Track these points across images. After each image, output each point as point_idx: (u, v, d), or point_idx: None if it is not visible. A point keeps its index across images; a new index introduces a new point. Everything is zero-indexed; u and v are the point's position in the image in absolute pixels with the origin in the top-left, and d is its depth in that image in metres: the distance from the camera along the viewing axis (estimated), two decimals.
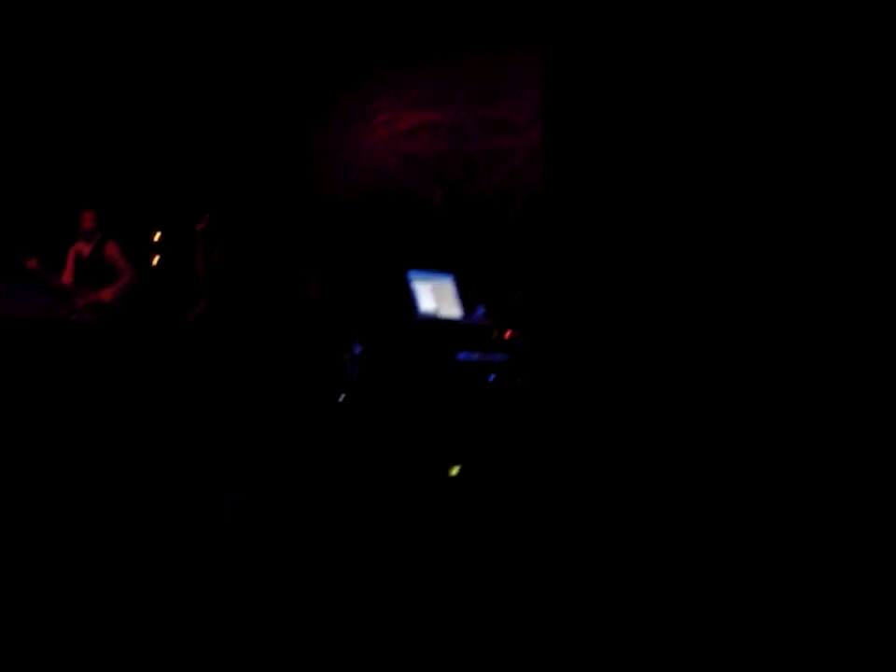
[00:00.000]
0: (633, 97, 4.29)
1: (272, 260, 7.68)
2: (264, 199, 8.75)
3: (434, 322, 6.27)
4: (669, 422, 4.09)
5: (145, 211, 8.21)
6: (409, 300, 6.25)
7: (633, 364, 4.23)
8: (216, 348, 6.83)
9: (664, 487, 3.97)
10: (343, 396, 6.54)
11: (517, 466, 4.72)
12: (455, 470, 5.13)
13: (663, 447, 4.06)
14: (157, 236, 7.61)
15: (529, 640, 3.01)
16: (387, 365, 6.49)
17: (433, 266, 6.80)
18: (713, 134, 4.07)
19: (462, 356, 6.09)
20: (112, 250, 7.34)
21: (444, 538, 4.16)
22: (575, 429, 4.35)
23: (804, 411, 3.74)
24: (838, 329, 3.70)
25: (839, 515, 3.55)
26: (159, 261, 7.49)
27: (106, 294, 7.16)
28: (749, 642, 2.97)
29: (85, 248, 7.31)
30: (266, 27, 8.85)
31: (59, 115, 8.44)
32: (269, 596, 3.36)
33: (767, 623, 3.10)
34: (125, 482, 4.89)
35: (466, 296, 6.63)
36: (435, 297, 6.36)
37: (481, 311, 6.69)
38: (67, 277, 7.25)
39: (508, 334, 6.26)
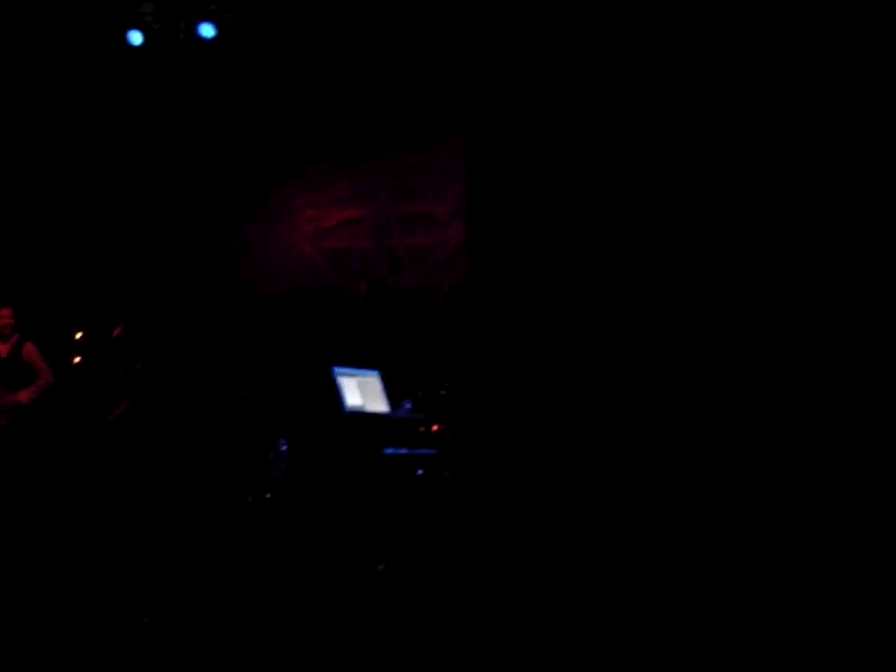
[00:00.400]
0: (555, 189, 4.37)
1: (196, 359, 7.61)
2: (188, 297, 8.71)
3: (360, 417, 6.23)
4: (603, 511, 4.08)
5: (63, 311, 8.10)
6: (335, 395, 6.22)
7: (561, 456, 4.23)
8: (140, 448, 6.70)
9: (596, 580, 3.95)
10: (269, 494, 6.44)
11: (446, 560, 4.67)
12: (381, 567, 5.05)
13: (594, 537, 4.04)
14: (78, 336, 7.50)
15: None
16: (314, 461, 6.42)
17: (358, 361, 6.79)
18: (636, 223, 4.15)
19: (389, 450, 6.05)
20: (30, 351, 7.20)
21: (373, 636, 4.07)
22: (504, 522, 4.32)
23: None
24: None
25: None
26: (79, 363, 7.36)
27: (23, 395, 7.00)
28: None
29: (2, 349, 7.16)
30: (189, 125, 8.91)
31: None
32: None
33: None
34: (45, 583, 4.72)
35: (392, 390, 6.62)
36: (361, 392, 6.35)
37: (407, 405, 6.68)
38: None
39: (435, 428, 6.25)
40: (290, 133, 8.81)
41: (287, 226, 9.01)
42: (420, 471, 6.00)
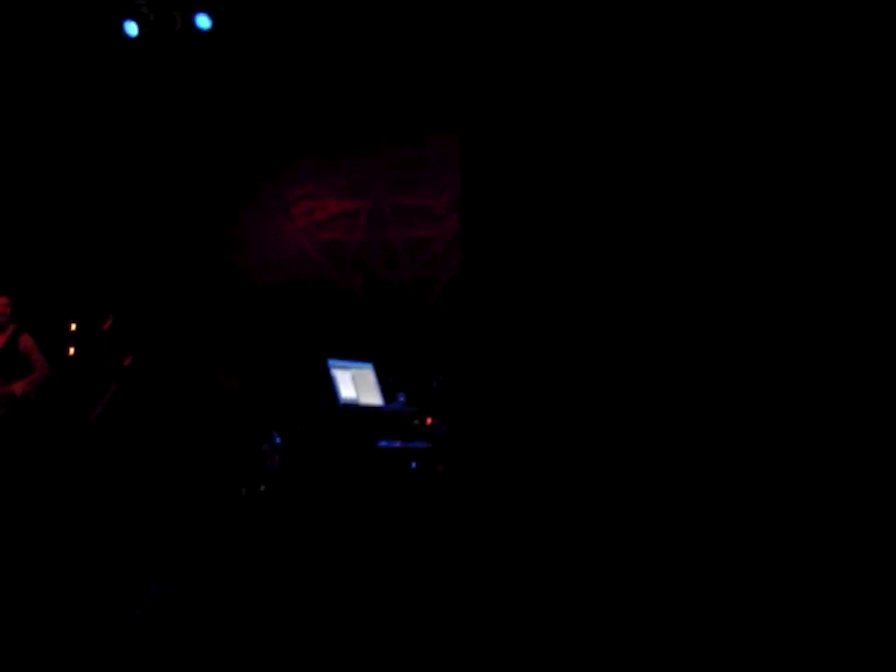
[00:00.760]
0: (550, 182, 4.36)
1: (190, 351, 7.59)
2: (182, 289, 8.69)
3: (354, 410, 6.22)
4: (595, 505, 4.08)
5: (58, 303, 8.08)
6: (329, 388, 6.20)
7: (554, 449, 4.23)
8: (133, 440, 6.68)
9: (591, 575, 3.95)
10: (263, 487, 6.43)
11: (440, 553, 4.66)
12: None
13: (588, 530, 4.04)
14: (72, 327, 7.49)
15: None
16: (308, 454, 6.41)
17: (353, 354, 6.78)
18: (629, 218, 4.15)
19: (383, 443, 6.04)
20: (26, 342, 7.18)
21: (366, 630, 4.07)
22: (497, 516, 4.32)
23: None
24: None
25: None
26: (72, 355, 7.35)
27: (17, 387, 6.99)
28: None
29: None
30: (184, 116, 8.88)
31: None
32: None
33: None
34: (39, 575, 4.71)
35: (387, 383, 6.61)
36: (355, 385, 6.33)
37: (401, 398, 6.68)
38: None
39: (429, 421, 6.24)
40: (286, 125, 8.79)
41: (281, 217, 8.99)
42: (414, 465, 6.00)
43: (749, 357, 3.83)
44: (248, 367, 7.92)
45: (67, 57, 8.19)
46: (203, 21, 7.65)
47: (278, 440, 6.49)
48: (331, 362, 6.32)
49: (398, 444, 6.10)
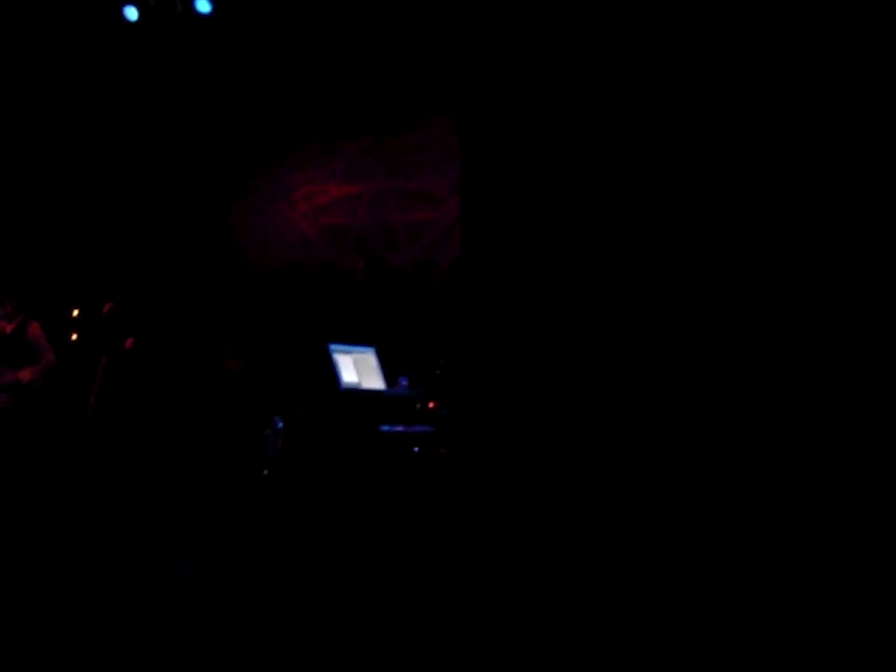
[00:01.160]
0: (550, 166, 4.36)
1: (193, 336, 7.61)
2: (185, 274, 8.70)
3: (356, 394, 6.23)
4: (596, 490, 4.09)
5: (62, 290, 8.09)
6: (331, 372, 6.22)
7: (555, 432, 4.24)
8: (135, 424, 6.71)
9: (591, 556, 3.96)
10: (265, 471, 6.45)
11: (442, 536, 4.68)
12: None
13: (587, 515, 4.06)
14: (74, 313, 7.51)
15: None
16: (310, 438, 6.43)
17: (354, 338, 6.79)
18: (629, 204, 4.14)
19: (385, 428, 6.05)
20: (34, 330, 7.19)
21: (369, 613, 4.09)
22: (499, 499, 4.33)
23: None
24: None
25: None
26: (75, 340, 7.37)
27: (24, 374, 7.00)
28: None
29: (7, 327, 7.15)
30: (185, 101, 8.87)
31: None
32: None
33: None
34: (43, 560, 4.74)
35: (388, 367, 6.62)
36: (357, 369, 6.35)
37: (403, 382, 6.68)
38: None
39: (431, 405, 6.25)
40: (287, 109, 8.78)
41: (283, 202, 8.99)
42: (416, 449, 6.00)
43: (748, 345, 3.83)
44: (250, 351, 7.93)
45: (67, 42, 8.18)
46: (203, 5, 7.63)
47: (280, 424, 6.50)
48: (333, 346, 6.33)
49: (400, 429, 6.11)
